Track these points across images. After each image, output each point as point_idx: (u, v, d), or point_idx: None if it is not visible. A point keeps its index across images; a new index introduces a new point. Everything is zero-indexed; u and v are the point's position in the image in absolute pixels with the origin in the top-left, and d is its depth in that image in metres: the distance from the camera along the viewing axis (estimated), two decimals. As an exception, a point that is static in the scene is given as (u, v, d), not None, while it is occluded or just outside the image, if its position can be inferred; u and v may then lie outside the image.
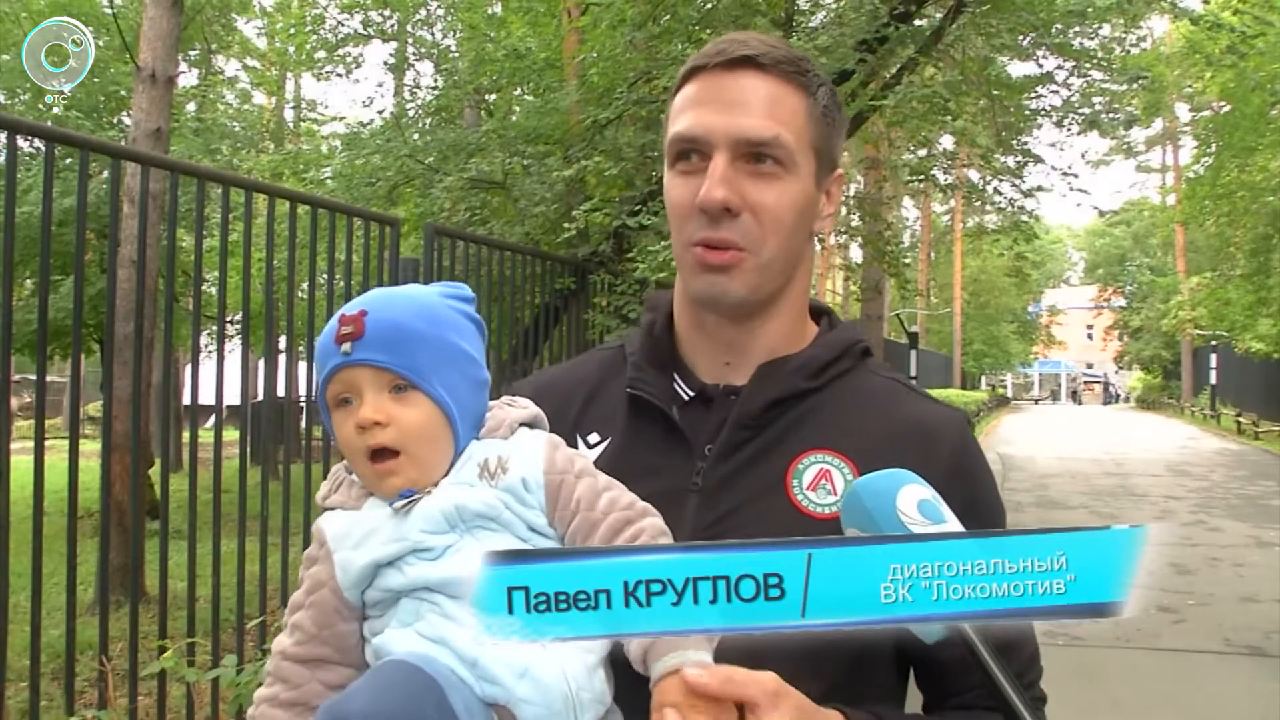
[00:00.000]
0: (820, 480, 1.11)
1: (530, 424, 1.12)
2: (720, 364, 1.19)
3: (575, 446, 1.19)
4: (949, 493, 0.98)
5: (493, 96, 11.85)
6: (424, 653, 0.95)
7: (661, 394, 1.18)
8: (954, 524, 0.94)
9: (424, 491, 1.02)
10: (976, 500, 1.06)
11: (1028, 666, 1.12)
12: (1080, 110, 11.23)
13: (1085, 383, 66.77)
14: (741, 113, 1.10)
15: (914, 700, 1.18)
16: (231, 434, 14.59)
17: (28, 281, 11.82)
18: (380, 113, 12.48)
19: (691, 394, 1.19)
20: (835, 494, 1.10)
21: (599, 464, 1.16)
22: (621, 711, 1.00)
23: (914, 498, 0.94)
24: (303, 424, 5.18)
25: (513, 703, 0.94)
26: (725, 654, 0.95)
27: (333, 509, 1.08)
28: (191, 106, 15.90)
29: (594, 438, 1.20)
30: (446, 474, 1.04)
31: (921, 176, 12.46)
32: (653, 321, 1.24)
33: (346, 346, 1.03)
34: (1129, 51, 12.13)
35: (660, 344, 1.22)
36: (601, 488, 1.05)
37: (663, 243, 6.99)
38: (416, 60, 15.95)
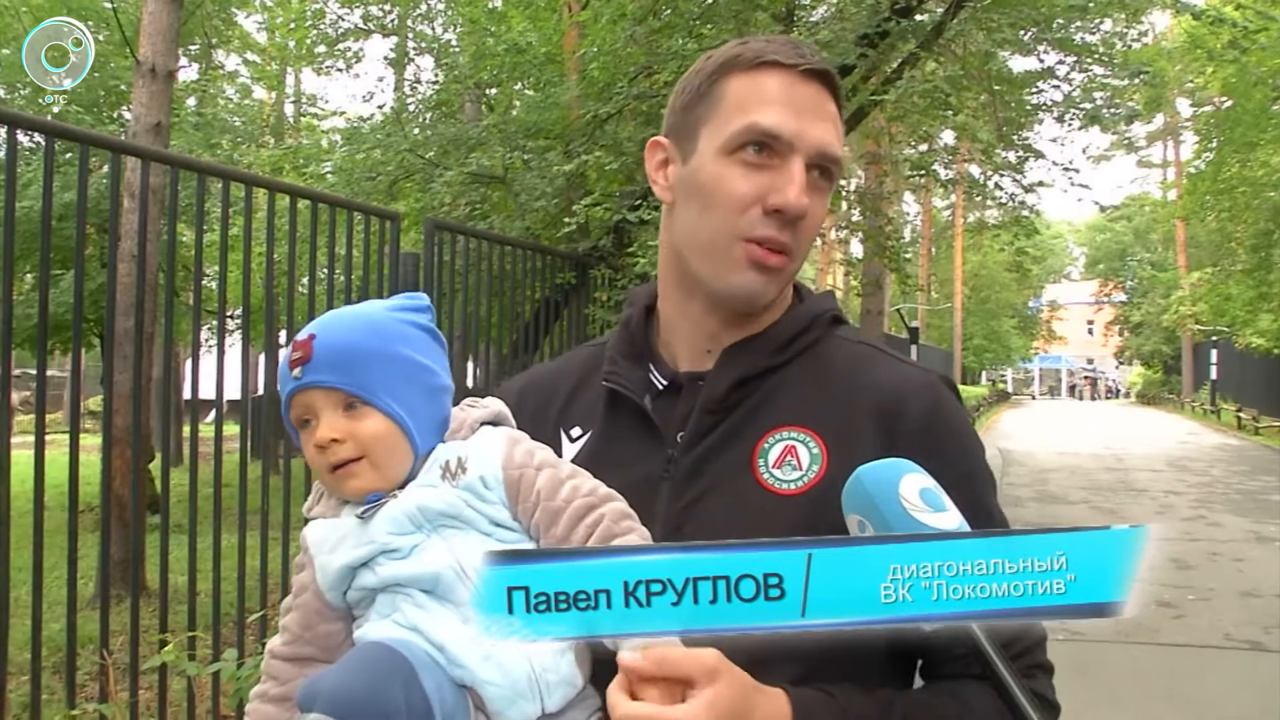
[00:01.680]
0: (786, 457, 1.11)
1: (494, 422, 1.16)
2: (702, 351, 1.20)
3: (559, 441, 1.21)
4: (918, 458, 0.99)
5: (493, 91, 11.83)
6: (402, 637, 1.01)
7: (635, 385, 1.19)
8: (954, 513, 0.95)
9: (390, 495, 1.07)
10: (946, 466, 1.02)
11: (1031, 649, 1.11)
12: (1081, 105, 11.22)
13: (1084, 378, 66.78)
14: (821, 126, 1.11)
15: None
16: (232, 428, 14.60)
17: (28, 276, 11.82)
18: (380, 107, 12.43)
19: (665, 383, 1.20)
20: (801, 469, 1.10)
21: (580, 457, 1.18)
22: (600, 693, 1.01)
23: (916, 485, 0.96)
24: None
25: (478, 684, 0.98)
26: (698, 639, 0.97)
27: (316, 519, 1.14)
28: (192, 101, 15.87)
29: (576, 431, 1.22)
30: (413, 477, 1.09)
31: (922, 171, 12.46)
32: (630, 315, 1.26)
33: (297, 371, 1.09)
34: (1130, 46, 12.07)
35: (635, 336, 1.24)
36: (564, 477, 1.08)
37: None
38: (417, 55, 15.94)
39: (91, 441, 10.93)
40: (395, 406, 1.07)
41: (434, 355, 1.14)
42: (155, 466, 10.17)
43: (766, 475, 1.11)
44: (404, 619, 1.02)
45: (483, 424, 1.14)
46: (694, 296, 1.18)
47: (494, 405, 1.17)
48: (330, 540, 1.09)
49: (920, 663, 1.15)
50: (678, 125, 1.18)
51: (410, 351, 1.11)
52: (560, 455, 1.17)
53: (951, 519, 0.94)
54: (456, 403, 1.18)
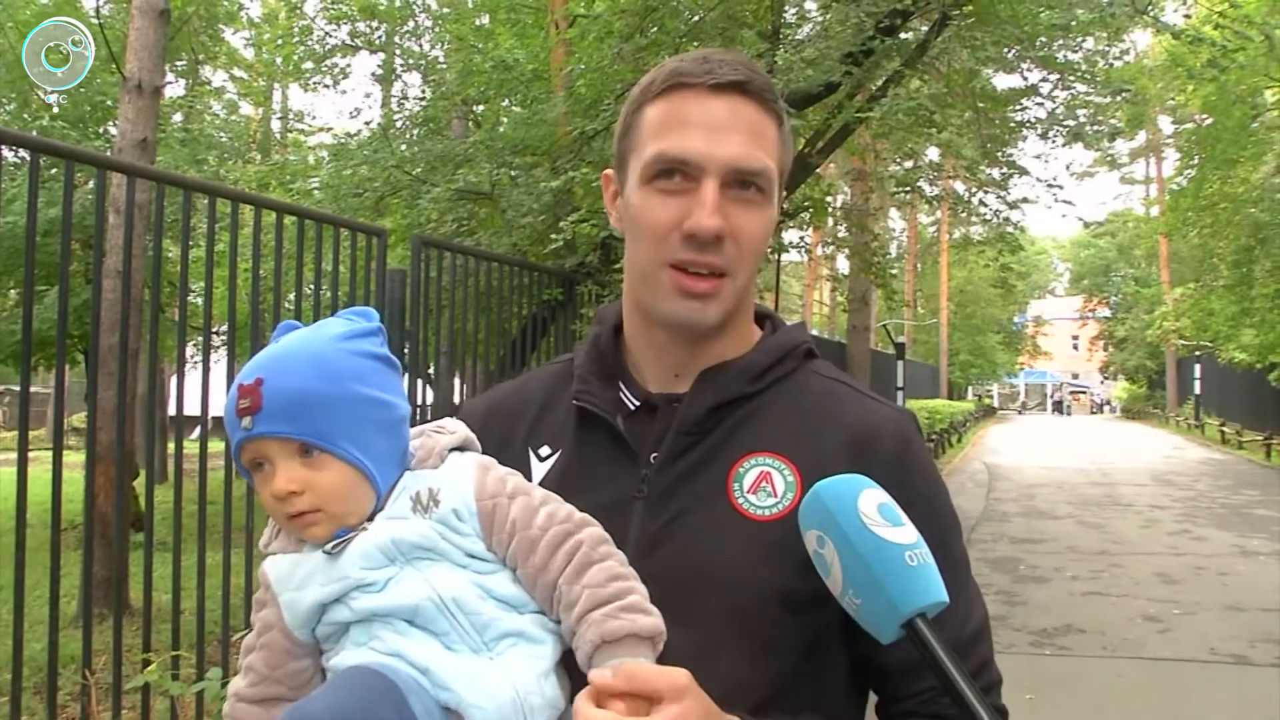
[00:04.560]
0: (761, 483, 1.12)
1: (461, 447, 1.13)
2: (670, 375, 1.20)
3: (528, 461, 1.21)
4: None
5: (480, 108, 11.84)
6: (385, 662, 0.99)
7: (607, 405, 1.19)
8: (910, 528, 0.98)
9: (359, 529, 1.04)
10: (914, 501, 1.06)
11: (978, 672, 1.11)
12: (1064, 122, 11.29)
13: (1072, 393, 67.12)
14: (733, 141, 1.10)
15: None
16: (217, 445, 14.51)
17: (12, 292, 11.75)
18: (367, 124, 12.39)
19: (637, 404, 1.20)
20: (775, 495, 1.11)
21: (549, 476, 1.18)
22: None
23: (874, 500, 0.99)
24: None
25: (463, 707, 0.97)
26: (678, 649, 1.00)
27: (274, 554, 1.09)
28: (178, 117, 15.82)
29: (545, 451, 1.21)
30: (382, 509, 1.06)
31: (908, 188, 12.53)
32: (598, 334, 1.26)
33: (246, 421, 1.03)
34: (1112, 65, 12.18)
35: (605, 355, 1.23)
36: (537, 504, 1.06)
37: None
38: (404, 71, 15.93)
39: (75, 458, 10.85)
40: (354, 451, 1.04)
41: (389, 385, 1.09)
42: (139, 484, 10.09)
43: (741, 500, 1.11)
44: (384, 646, 1.00)
45: (451, 450, 1.12)
46: (653, 323, 1.19)
47: (461, 430, 1.14)
48: (295, 577, 1.05)
49: (877, 701, 1.16)
50: (616, 156, 1.21)
51: (364, 389, 1.06)
52: (530, 475, 1.16)
53: (908, 534, 0.97)
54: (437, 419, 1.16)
